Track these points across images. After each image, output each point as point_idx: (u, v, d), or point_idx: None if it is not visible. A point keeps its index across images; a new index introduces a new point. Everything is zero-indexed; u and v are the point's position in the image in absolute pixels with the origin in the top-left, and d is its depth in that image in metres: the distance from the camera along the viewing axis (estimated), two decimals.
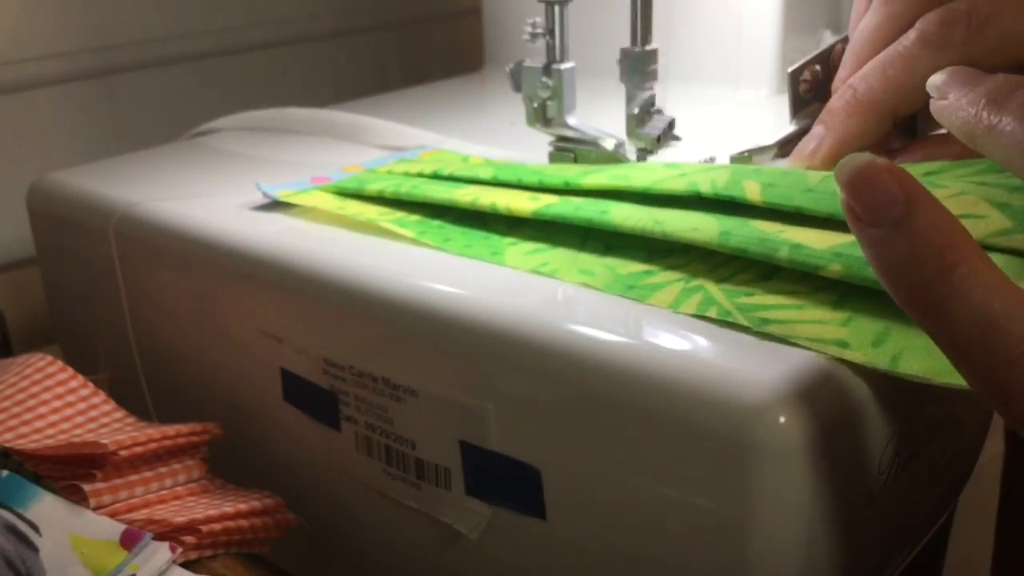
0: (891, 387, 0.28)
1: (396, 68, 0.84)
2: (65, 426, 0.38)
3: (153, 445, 0.35)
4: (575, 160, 0.43)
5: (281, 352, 0.39)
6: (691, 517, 0.28)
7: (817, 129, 0.36)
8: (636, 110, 0.41)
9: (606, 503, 0.30)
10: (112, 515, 0.34)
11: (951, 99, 0.27)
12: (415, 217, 0.39)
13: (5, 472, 0.34)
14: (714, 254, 0.32)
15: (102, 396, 0.39)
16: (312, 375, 0.38)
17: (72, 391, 0.39)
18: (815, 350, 0.27)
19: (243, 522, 0.35)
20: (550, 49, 0.43)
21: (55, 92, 0.65)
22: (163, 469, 0.36)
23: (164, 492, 0.36)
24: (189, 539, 0.33)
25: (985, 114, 0.25)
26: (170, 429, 0.36)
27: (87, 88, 0.67)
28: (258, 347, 0.39)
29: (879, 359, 0.26)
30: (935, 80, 0.28)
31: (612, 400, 0.29)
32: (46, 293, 0.52)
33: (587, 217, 0.34)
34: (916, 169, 0.33)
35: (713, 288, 0.31)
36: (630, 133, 0.41)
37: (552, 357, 0.30)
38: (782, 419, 0.26)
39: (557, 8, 0.42)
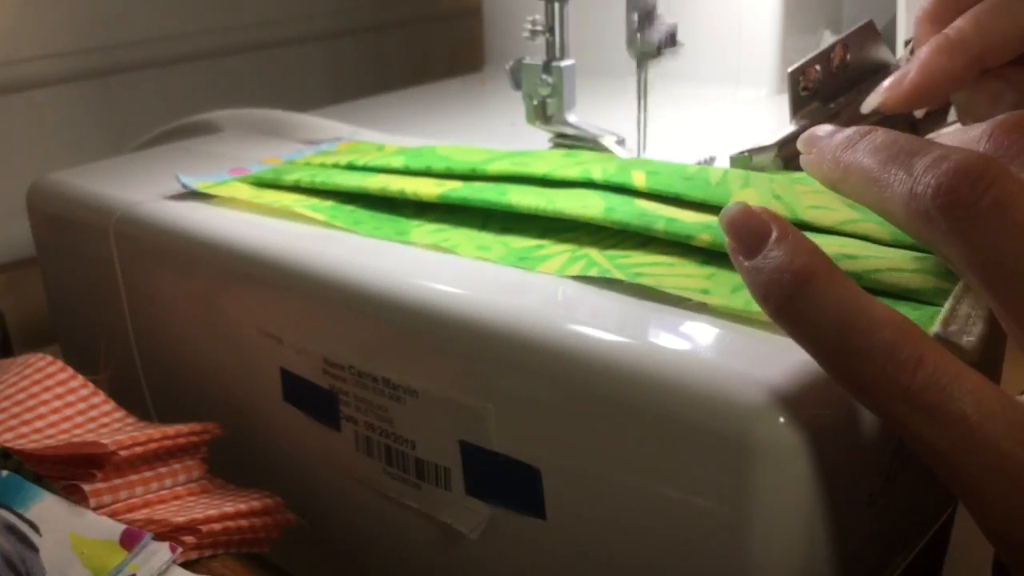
0: None
1: (396, 68, 0.84)
2: (65, 426, 0.38)
3: (153, 445, 0.35)
4: None
5: (281, 352, 0.39)
6: (691, 517, 0.28)
7: (903, 68, 0.35)
8: (636, 18, 0.40)
9: (606, 503, 0.30)
10: (112, 515, 0.34)
11: (814, 152, 0.29)
12: (328, 203, 0.41)
13: (5, 472, 0.34)
14: (601, 230, 0.35)
15: (102, 396, 0.39)
16: (312, 375, 0.38)
17: (72, 391, 0.39)
18: (680, 296, 0.30)
19: (243, 522, 0.35)
20: (550, 46, 0.43)
21: (55, 92, 0.65)
22: (163, 469, 0.36)
23: (164, 492, 0.36)
24: (189, 539, 0.33)
25: (841, 158, 0.27)
26: (170, 429, 0.36)
27: (87, 88, 0.67)
28: (258, 347, 0.39)
29: (735, 303, 0.30)
30: (804, 137, 0.30)
31: (612, 400, 0.29)
32: (46, 293, 0.52)
33: (487, 198, 0.37)
34: (791, 175, 0.36)
35: (597, 255, 0.34)
36: (630, 43, 0.41)
37: (552, 357, 0.30)
38: (782, 419, 0.26)
39: (557, 6, 0.42)
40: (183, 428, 0.36)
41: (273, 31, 0.76)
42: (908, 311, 0.27)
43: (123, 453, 0.34)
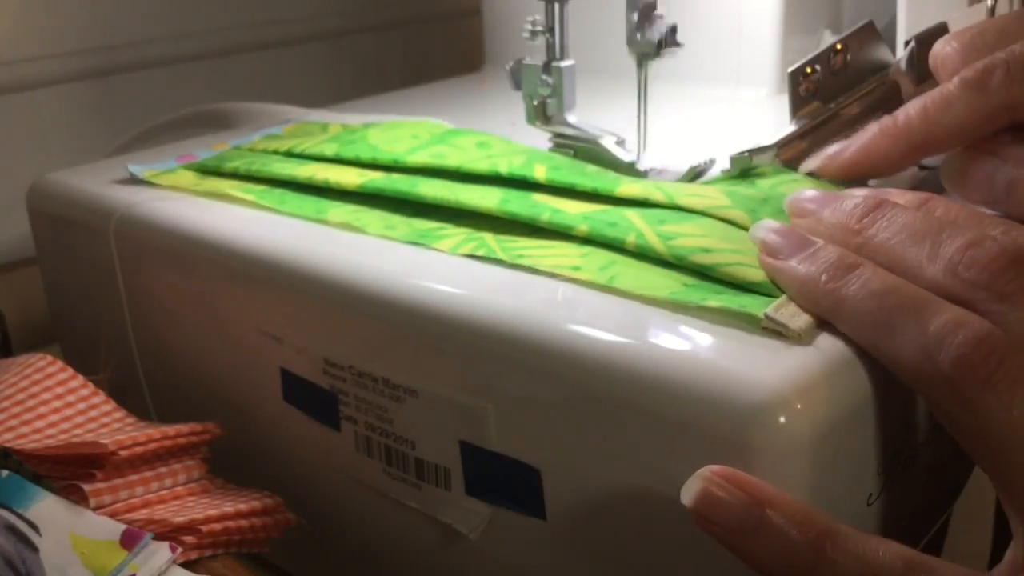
0: (891, 388, 0.28)
1: (396, 68, 0.84)
2: (65, 426, 0.38)
3: (153, 445, 0.35)
4: (574, 157, 0.43)
5: (281, 352, 0.39)
6: (691, 517, 0.28)
7: (847, 140, 0.36)
8: (636, 16, 0.40)
9: (606, 503, 0.30)
10: (112, 515, 0.34)
11: (792, 263, 0.30)
12: (260, 187, 0.44)
13: (5, 472, 0.34)
14: (497, 220, 0.38)
15: (102, 396, 0.39)
16: (312, 375, 0.38)
17: (72, 391, 0.39)
18: (553, 274, 0.33)
19: (243, 522, 0.35)
20: (550, 47, 0.43)
21: (55, 92, 0.65)
22: (163, 469, 0.36)
23: (164, 492, 0.36)
24: (189, 539, 0.33)
25: (835, 291, 0.28)
26: (170, 429, 0.36)
27: (87, 88, 0.67)
28: (258, 347, 0.39)
29: (599, 278, 0.32)
30: (760, 235, 0.31)
31: (612, 400, 0.29)
32: (46, 293, 0.52)
33: (399, 189, 0.40)
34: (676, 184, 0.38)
35: (489, 238, 0.36)
36: (630, 41, 0.41)
37: (552, 357, 0.30)
38: (782, 419, 0.26)
39: (557, 6, 0.42)
40: (183, 428, 0.36)
41: (273, 31, 0.76)
42: (750, 301, 0.29)
43: (123, 453, 0.34)
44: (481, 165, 0.41)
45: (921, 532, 0.36)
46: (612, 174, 0.39)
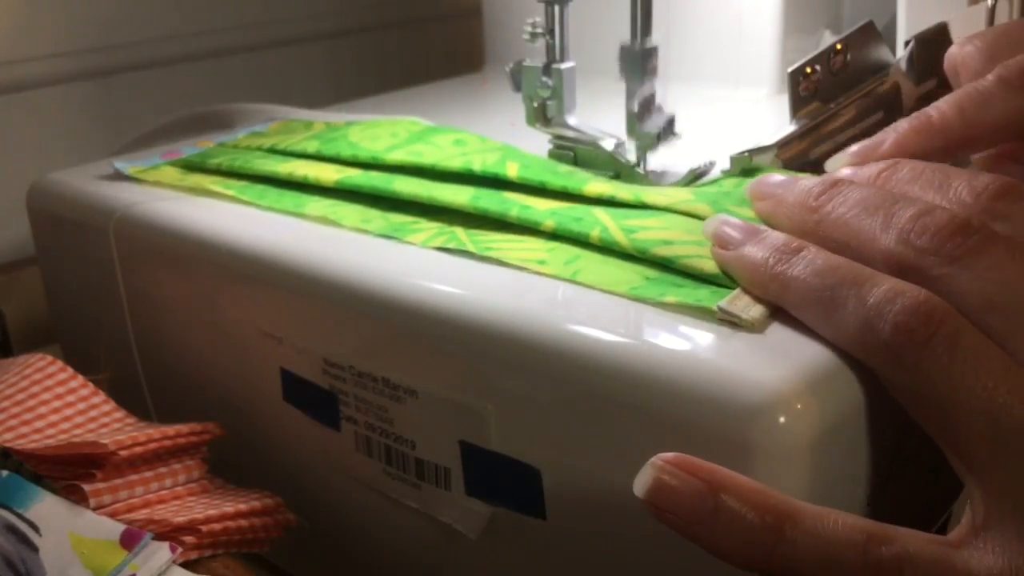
0: None
1: (396, 68, 0.84)
2: (65, 426, 0.38)
3: (153, 445, 0.35)
4: (575, 159, 0.43)
5: (281, 352, 0.39)
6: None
7: (882, 135, 0.35)
8: (636, 107, 0.41)
9: (606, 503, 0.30)
10: (112, 515, 0.34)
11: (740, 252, 0.30)
12: (241, 183, 0.45)
13: (5, 472, 0.34)
14: (470, 216, 0.39)
15: (102, 396, 0.39)
16: (312, 375, 0.38)
17: (72, 391, 0.39)
18: (521, 267, 0.34)
19: (243, 522, 0.35)
20: (550, 49, 0.43)
21: (55, 92, 0.65)
22: (163, 469, 0.36)
23: (164, 492, 0.36)
24: (189, 539, 0.33)
25: (781, 273, 0.29)
26: (170, 429, 0.36)
27: (87, 88, 0.67)
28: (258, 347, 0.39)
29: (564, 273, 0.33)
30: (712, 228, 0.32)
31: (612, 400, 0.29)
32: (46, 293, 0.52)
33: (375, 185, 0.41)
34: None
35: (461, 232, 0.37)
36: (630, 130, 0.41)
37: (552, 357, 0.30)
38: (782, 420, 0.26)
39: (557, 8, 0.42)
40: (183, 428, 0.36)
41: (273, 31, 0.76)
42: (707, 294, 0.30)
43: (123, 453, 0.34)
44: (455, 162, 0.42)
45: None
46: (582, 173, 0.40)
